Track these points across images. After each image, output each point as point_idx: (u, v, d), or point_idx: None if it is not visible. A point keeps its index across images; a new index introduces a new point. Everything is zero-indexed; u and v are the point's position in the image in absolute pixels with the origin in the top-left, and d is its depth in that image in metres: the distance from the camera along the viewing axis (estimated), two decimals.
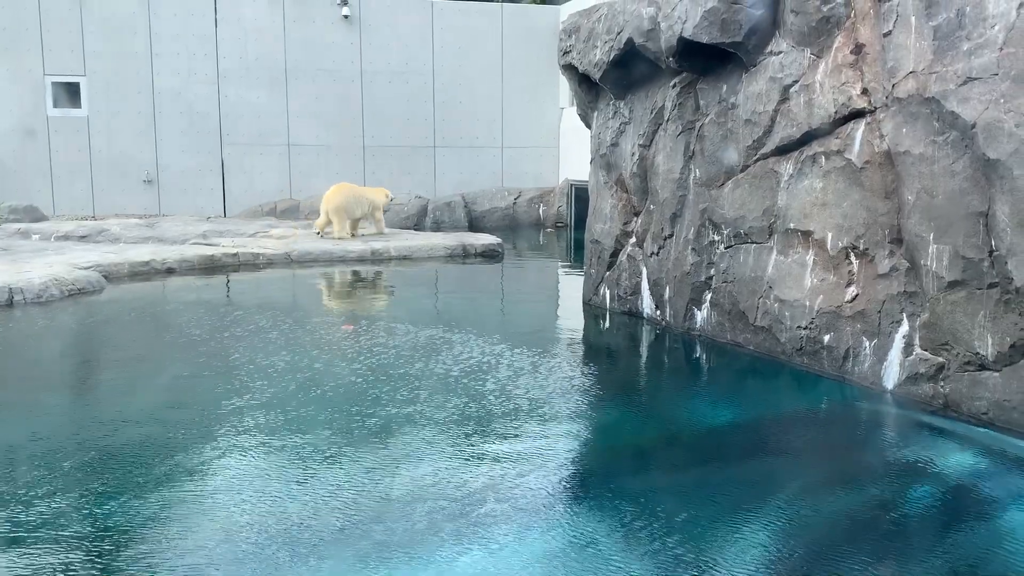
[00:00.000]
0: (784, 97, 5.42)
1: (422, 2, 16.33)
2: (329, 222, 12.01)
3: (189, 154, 15.74)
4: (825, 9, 5.10)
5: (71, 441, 4.39)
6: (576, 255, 11.71)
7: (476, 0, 17.05)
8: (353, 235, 12.09)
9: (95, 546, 3.14)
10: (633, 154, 7.01)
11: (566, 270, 11.45)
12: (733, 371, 5.73)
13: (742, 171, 5.85)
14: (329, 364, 5.78)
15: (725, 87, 5.95)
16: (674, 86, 6.43)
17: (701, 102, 6.24)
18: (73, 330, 7.29)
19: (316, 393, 5.07)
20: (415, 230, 14.13)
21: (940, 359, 4.51)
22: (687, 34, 5.69)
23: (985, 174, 4.14)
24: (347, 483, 3.70)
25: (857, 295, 4.99)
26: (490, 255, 11.61)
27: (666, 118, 6.57)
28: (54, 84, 15.21)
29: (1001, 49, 4.05)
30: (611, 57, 6.73)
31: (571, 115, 14.49)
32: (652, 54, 6.25)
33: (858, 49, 4.97)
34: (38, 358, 6.35)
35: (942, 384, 4.51)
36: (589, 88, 7.64)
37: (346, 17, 15.89)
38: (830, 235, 5.15)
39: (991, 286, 4.18)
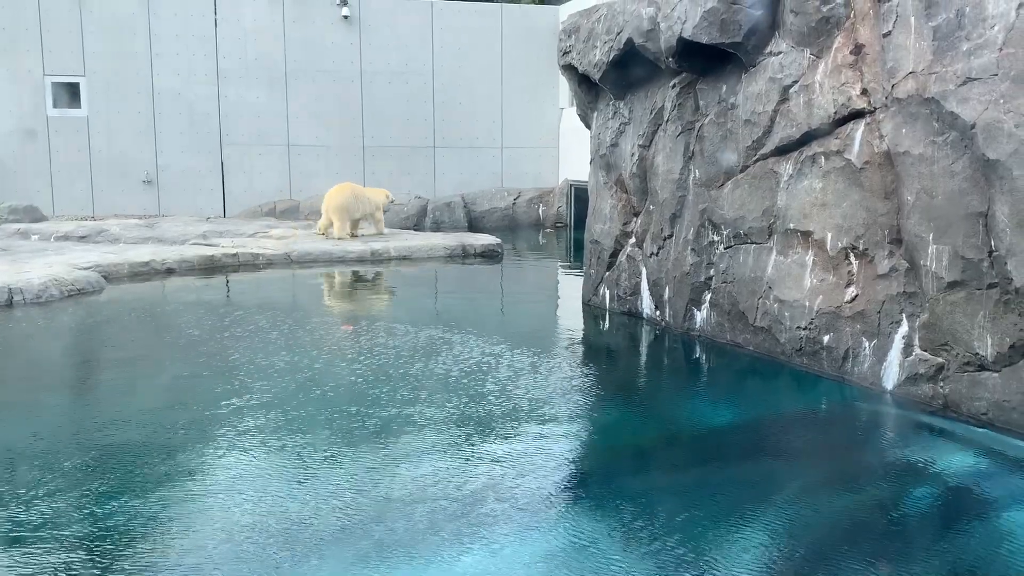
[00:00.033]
0: (784, 97, 5.42)
1: (422, 2, 16.34)
2: (331, 223, 12.01)
3: (189, 154, 15.73)
4: (825, 9, 5.10)
5: (71, 441, 4.39)
6: (576, 255, 11.72)
7: (476, 0, 17.05)
8: (353, 235, 12.09)
9: (95, 546, 3.15)
10: (633, 154, 7.02)
11: (566, 270, 11.46)
12: (733, 371, 5.73)
13: (742, 171, 5.85)
14: (329, 364, 5.78)
15: (725, 87, 5.95)
16: (674, 86, 6.44)
17: (701, 102, 6.25)
18: (73, 330, 7.29)
19: (316, 393, 5.07)
20: (415, 230, 14.13)
21: (940, 359, 4.52)
22: (687, 34, 5.69)
23: (985, 174, 4.14)
24: (347, 483, 3.70)
25: (857, 295, 5.00)
26: (490, 255, 11.61)
27: (666, 118, 6.57)
28: (54, 84, 15.20)
29: (1001, 49, 4.05)
30: (611, 57, 6.73)
31: (571, 115, 14.49)
32: (652, 54, 6.26)
33: (858, 49, 4.97)
34: (38, 358, 6.35)
35: (942, 384, 4.51)
36: (589, 88, 7.65)
37: (346, 17, 15.89)
38: (830, 235, 5.16)
39: (991, 286, 4.18)
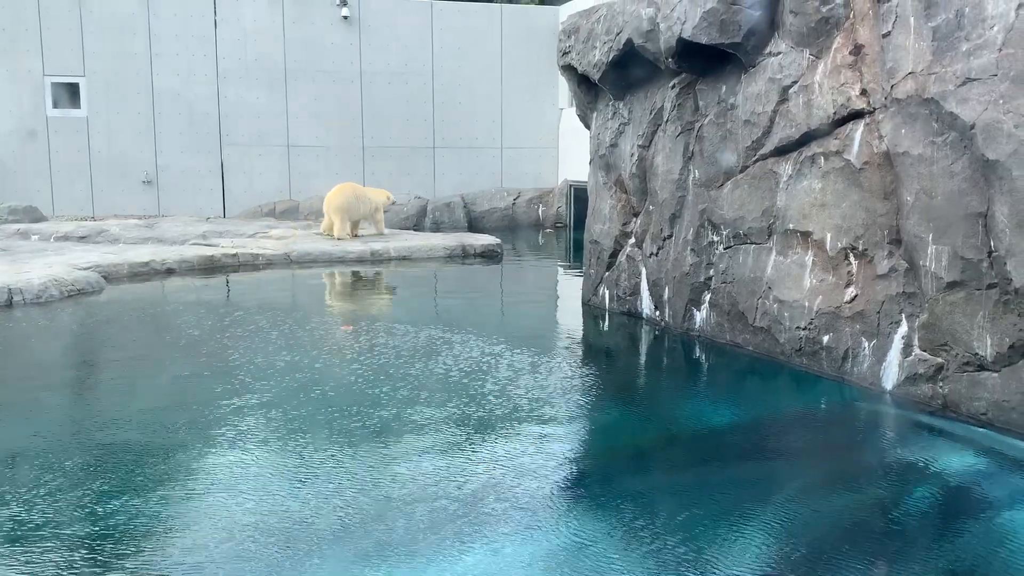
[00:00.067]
0: (783, 98, 5.43)
1: (421, 3, 16.34)
2: (332, 223, 12.02)
3: (188, 154, 15.74)
4: (824, 10, 5.11)
5: (71, 441, 4.40)
6: (575, 255, 11.72)
7: (476, 0, 17.06)
8: (354, 236, 12.09)
9: (96, 545, 3.15)
10: (632, 155, 7.02)
11: (565, 270, 11.46)
12: (732, 372, 5.74)
13: (741, 172, 5.86)
14: (329, 364, 5.79)
15: (724, 88, 5.96)
16: (673, 87, 6.44)
17: (700, 103, 6.25)
18: (73, 330, 7.29)
19: (316, 393, 5.07)
20: (414, 231, 14.13)
21: (939, 360, 4.52)
22: (686, 35, 5.70)
23: (984, 175, 4.15)
24: (348, 482, 3.71)
25: (856, 296, 5.00)
26: (489, 256, 11.61)
27: (665, 119, 6.58)
28: (54, 84, 15.20)
29: (1000, 50, 4.06)
30: (610, 58, 6.73)
31: (570, 116, 14.49)
32: (651, 55, 6.26)
33: (857, 50, 4.98)
34: (38, 358, 6.35)
35: (941, 385, 4.51)
36: (588, 89, 7.65)
37: (345, 18, 15.90)
38: (829, 236, 5.16)
39: (990, 287, 4.19)
